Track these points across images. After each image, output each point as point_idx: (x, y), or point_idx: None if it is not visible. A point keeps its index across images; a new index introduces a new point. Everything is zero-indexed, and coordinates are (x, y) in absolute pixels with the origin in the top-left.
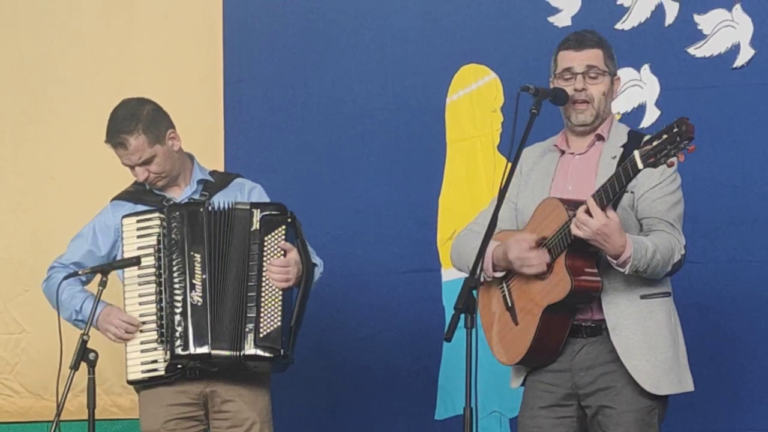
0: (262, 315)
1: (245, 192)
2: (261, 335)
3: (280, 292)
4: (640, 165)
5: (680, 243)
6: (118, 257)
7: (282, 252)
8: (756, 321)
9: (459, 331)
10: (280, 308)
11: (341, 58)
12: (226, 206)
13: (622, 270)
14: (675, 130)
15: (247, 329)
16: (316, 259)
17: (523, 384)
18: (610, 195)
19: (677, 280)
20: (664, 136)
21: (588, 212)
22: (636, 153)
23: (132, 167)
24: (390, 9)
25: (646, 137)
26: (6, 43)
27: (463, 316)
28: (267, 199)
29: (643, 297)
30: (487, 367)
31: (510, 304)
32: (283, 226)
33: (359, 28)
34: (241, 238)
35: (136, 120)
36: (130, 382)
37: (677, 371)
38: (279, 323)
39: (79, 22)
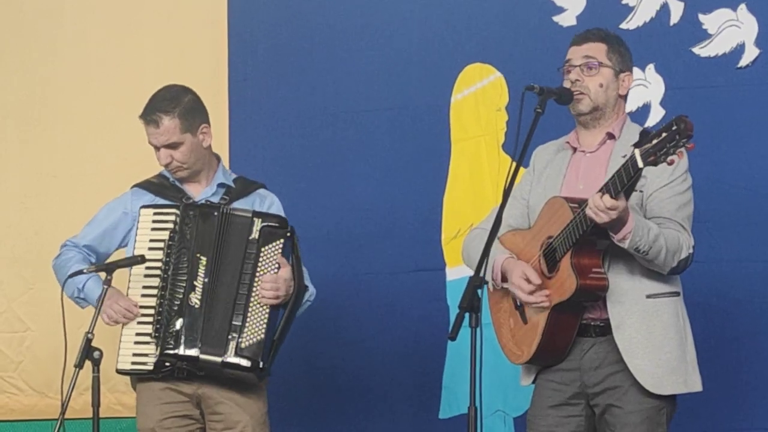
0: (247, 325)
1: (264, 204)
2: (242, 345)
3: (268, 306)
4: (640, 164)
5: (689, 242)
6: (130, 245)
7: (276, 266)
8: (760, 320)
9: (463, 330)
10: (265, 321)
11: (346, 56)
12: (229, 211)
13: (621, 245)
14: (674, 128)
15: (230, 337)
16: (309, 285)
17: (533, 382)
18: (619, 188)
19: (682, 279)
20: (664, 134)
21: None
22: (636, 151)
23: (157, 148)
24: (394, 8)
25: (648, 135)
26: (10, 43)
27: (467, 315)
28: (283, 215)
29: (649, 296)
30: (492, 366)
31: (519, 303)
32: (281, 239)
33: (364, 27)
34: (239, 245)
35: (176, 103)
36: (118, 371)
37: (683, 371)
38: (262, 336)
39: (83, 21)
